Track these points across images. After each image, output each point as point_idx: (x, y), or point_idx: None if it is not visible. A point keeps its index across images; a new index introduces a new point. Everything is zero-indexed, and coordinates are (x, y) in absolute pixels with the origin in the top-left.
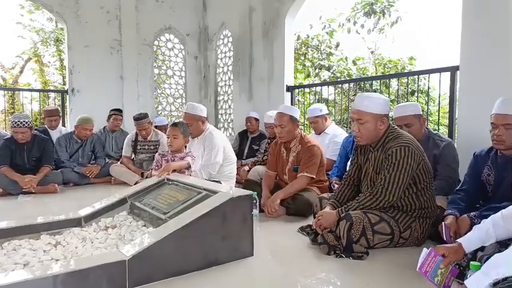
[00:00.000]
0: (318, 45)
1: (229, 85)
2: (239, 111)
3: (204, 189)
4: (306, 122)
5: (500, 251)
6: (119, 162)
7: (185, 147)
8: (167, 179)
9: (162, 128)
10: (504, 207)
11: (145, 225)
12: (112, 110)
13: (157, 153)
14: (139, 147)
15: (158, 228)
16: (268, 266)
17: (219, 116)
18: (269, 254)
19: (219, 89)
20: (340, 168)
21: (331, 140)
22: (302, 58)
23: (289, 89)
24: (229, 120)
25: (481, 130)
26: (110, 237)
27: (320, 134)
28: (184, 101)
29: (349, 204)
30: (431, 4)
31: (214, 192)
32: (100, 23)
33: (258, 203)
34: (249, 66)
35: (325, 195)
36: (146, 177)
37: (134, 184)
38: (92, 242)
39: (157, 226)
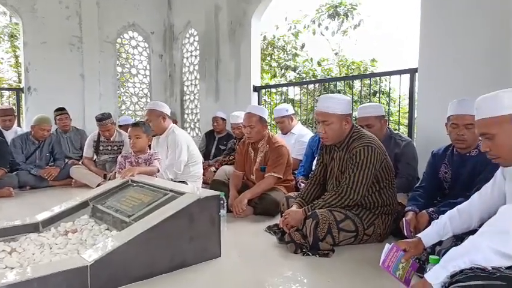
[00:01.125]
0: (284, 46)
1: (196, 84)
2: (206, 111)
3: (170, 191)
4: (272, 122)
5: (456, 245)
6: (80, 163)
7: (149, 147)
8: (132, 181)
9: (127, 128)
10: (460, 203)
11: (108, 229)
12: (55, 111)
13: (120, 156)
14: (101, 147)
15: (122, 232)
16: (236, 266)
17: (185, 116)
18: (237, 254)
19: (185, 88)
20: (306, 168)
21: (297, 140)
22: (268, 58)
23: (256, 89)
24: (195, 120)
25: (438, 130)
26: (71, 242)
27: (286, 133)
28: (148, 100)
29: (315, 202)
30: (393, 8)
31: (181, 194)
32: (59, 18)
33: (225, 203)
34: (215, 65)
35: (292, 194)
36: (110, 179)
37: (97, 186)
38: (50, 248)
39: (121, 229)
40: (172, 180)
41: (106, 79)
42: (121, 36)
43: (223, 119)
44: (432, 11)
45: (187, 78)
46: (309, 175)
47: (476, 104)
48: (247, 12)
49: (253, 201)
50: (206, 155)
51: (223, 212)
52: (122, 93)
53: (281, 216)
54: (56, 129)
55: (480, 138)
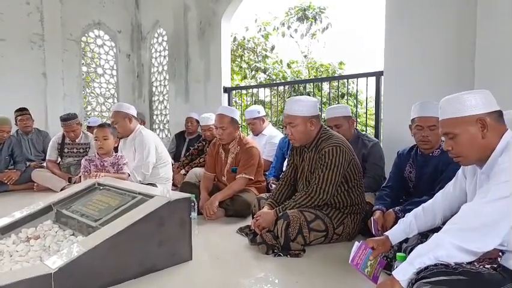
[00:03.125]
0: (254, 48)
1: (165, 85)
2: (175, 112)
3: (139, 194)
4: (243, 124)
5: (421, 242)
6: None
7: (115, 149)
8: (99, 184)
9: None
10: (424, 201)
11: (73, 235)
12: (15, 112)
13: (83, 159)
14: (66, 150)
15: (88, 237)
16: (207, 269)
17: (154, 117)
18: (208, 256)
19: (153, 89)
20: (277, 169)
21: (268, 141)
22: (239, 60)
23: (227, 90)
24: (164, 122)
25: (403, 131)
26: (33, 249)
27: (257, 135)
28: (115, 101)
29: (286, 203)
30: (361, 11)
31: (150, 196)
32: (19, 14)
33: (196, 206)
34: (185, 66)
35: (263, 195)
36: (75, 183)
37: (61, 190)
38: (11, 256)
39: (88, 234)
40: (140, 182)
41: (71, 79)
42: (86, 34)
43: (197, 121)
44: (396, 15)
45: (156, 78)
46: (280, 176)
47: (441, 104)
48: (217, 13)
49: (224, 203)
50: (176, 157)
51: (194, 214)
52: (88, 94)
53: (253, 218)
54: (17, 131)
55: (443, 137)
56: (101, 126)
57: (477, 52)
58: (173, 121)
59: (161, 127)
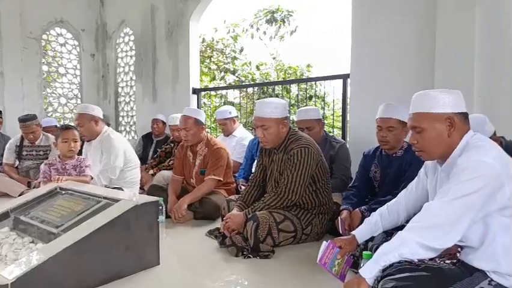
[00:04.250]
0: (223, 49)
1: (131, 86)
2: (142, 113)
3: (104, 198)
4: (212, 125)
5: (386, 240)
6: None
7: (79, 152)
8: (61, 188)
9: (49, 131)
10: (389, 201)
11: (33, 242)
12: None
13: (43, 164)
14: (24, 153)
15: (49, 244)
16: (175, 273)
17: (120, 119)
18: (177, 260)
19: (119, 89)
20: (246, 170)
21: (238, 143)
22: (208, 61)
23: (196, 91)
24: (131, 123)
25: (369, 132)
26: None
27: (228, 136)
28: (79, 101)
29: (255, 205)
30: (330, 15)
31: (116, 201)
32: None
33: (164, 209)
34: (152, 66)
35: (232, 197)
36: (34, 187)
37: (19, 195)
38: None
39: (48, 242)
40: (106, 186)
41: (30, 78)
42: (47, 32)
43: (163, 122)
44: (362, 19)
45: (122, 79)
46: (249, 177)
47: (413, 98)
48: (185, 13)
49: (193, 206)
50: (143, 159)
51: (161, 218)
52: (49, 94)
53: (222, 220)
54: None
55: (411, 131)
56: (69, 128)
57: (436, 59)
58: (141, 122)
59: (127, 129)
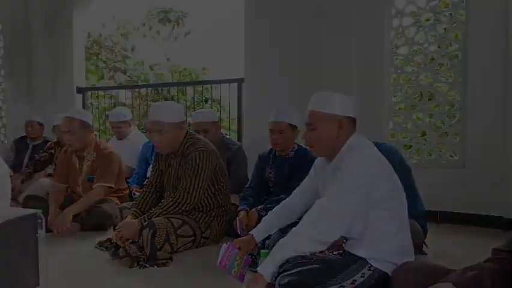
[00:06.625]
0: (112, 47)
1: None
2: (14, 114)
3: None
4: (101, 127)
5: (282, 237)
6: None
7: None
8: None
9: None
10: (283, 199)
11: None
12: None
13: None
14: None
15: None
16: None
17: None
18: (60, 279)
19: None
20: (140, 175)
21: (132, 146)
22: (95, 58)
23: (81, 90)
24: (0, 125)
25: (264, 134)
26: None
27: (121, 139)
28: None
29: (152, 211)
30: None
31: None
32: None
33: (44, 222)
34: (27, 62)
35: (125, 204)
36: None
37: None
38: None
39: None
40: None
41: None
42: None
43: (40, 124)
44: (253, 29)
45: None
46: (144, 183)
47: (313, 96)
48: (67, 4)
49: (79, 217)
50: (17, 166)
51: (41, 232)
52: None
53: (114, 230)
54: None
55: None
56: None
57: (323, 65)
58: (12, 125)
59: None
